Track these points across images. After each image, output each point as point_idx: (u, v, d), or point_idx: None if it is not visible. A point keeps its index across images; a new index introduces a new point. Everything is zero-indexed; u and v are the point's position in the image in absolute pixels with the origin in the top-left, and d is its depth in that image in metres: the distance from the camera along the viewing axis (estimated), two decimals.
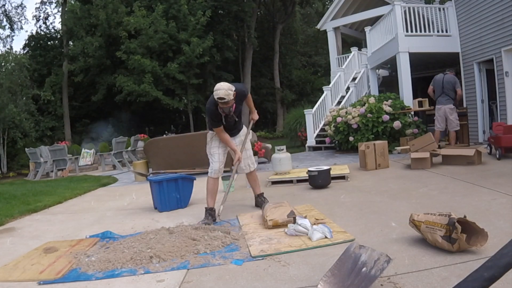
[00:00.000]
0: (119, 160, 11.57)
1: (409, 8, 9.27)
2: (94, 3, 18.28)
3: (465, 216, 2.57)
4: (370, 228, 3.23)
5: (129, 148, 12.49)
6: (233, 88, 3.78)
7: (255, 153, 7.45)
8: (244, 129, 4.37)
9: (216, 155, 4.14)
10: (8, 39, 21.19)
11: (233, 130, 4.22)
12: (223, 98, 3.67)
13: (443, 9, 9.48)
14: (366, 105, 9.11)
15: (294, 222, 3.34)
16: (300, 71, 26.66)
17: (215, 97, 3.70)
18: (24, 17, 41.53)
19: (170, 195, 4.71)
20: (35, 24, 37.54)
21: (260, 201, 4.39)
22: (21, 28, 25.84)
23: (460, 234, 2.42)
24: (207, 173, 4.17)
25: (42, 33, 23.75)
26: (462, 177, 5.05)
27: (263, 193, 4.51)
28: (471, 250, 2.48)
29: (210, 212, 3.96)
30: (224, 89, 3.67)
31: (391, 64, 11.00)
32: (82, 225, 4.38)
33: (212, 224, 3.76)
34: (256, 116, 4.44)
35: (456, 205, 3.69)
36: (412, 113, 9.06)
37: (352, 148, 9.09)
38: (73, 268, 2.86)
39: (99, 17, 17.89)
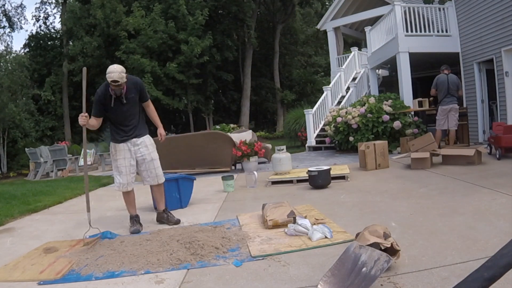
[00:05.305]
0: None
1: (409, 8, 9.27)
2: (92, 2, 18.28)
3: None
4: None
5: None
6: (125, 71, 3.65)
7: (255, 153, 7.42)
8: (149, 139, 3.97)
9: (123, 168, 3.83)
10: (8, 38, 21.23)
11: (128, 124, 3.84)
12: (117, 81, 3.54)
13: (443, 9, 9.47)
14: (366, 105, 9.11)
15: (294, 222, 3.34)
16: (300, 71, 26.66)
17: (108, 80, 3.54)
18: (24, 17, 41.55)
19: (171, 195, 4.71)
20: (34, 24, 37.65)
21: (164, 217, 4.05)
22: (21, 27, 25.88)
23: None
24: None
25: (42, 33, 23.76)
26: (462, 177, 5.05)
27: (166, 208, 4.14)
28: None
29: (136, 219, 3.91)
30: (117, 72, 3.53)
31: (391, 64, 11.00)
32: (82, 225, 4.37)
33: (141, 229, 3.80)
34: (162, 131, 4.10)
35: (456, 205, 3.69)
36: (412, 113, 9.06)
37: (352, 148, 9.09)
38: (73, 268, 2.86)
39: (97, 16, 17.89)
